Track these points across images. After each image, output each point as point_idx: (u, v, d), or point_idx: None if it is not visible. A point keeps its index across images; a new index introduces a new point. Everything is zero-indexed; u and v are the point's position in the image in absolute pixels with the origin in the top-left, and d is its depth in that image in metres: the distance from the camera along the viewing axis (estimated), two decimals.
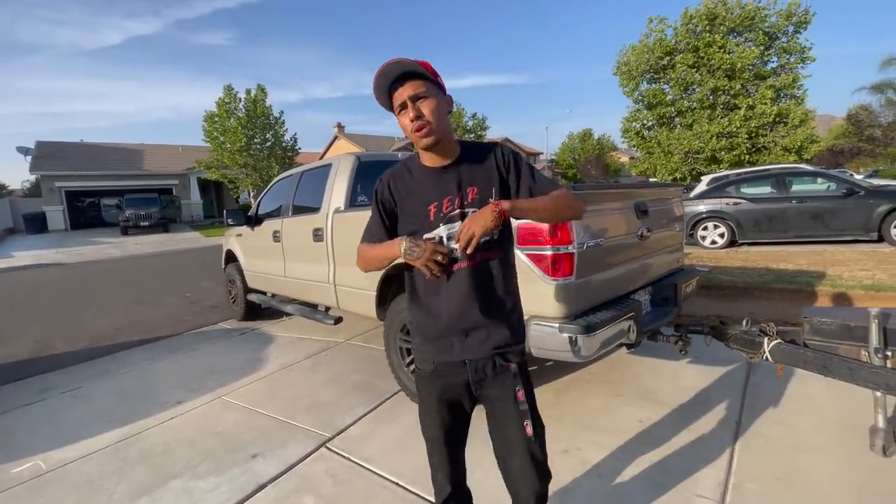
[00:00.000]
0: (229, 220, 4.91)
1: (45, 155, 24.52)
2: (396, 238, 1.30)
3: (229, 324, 5.46)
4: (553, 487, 1.96)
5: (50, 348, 4.87)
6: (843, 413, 2.43)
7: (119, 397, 3.43)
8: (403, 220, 1.36)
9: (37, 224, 23.20)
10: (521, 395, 1.31)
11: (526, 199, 1.27)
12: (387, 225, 1.38)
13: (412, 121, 1.21)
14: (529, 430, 1.30)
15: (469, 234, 1.14)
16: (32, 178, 27.63)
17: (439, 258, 1.19)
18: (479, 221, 1.14)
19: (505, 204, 1.16)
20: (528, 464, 1.32)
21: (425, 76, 1.23)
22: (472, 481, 1.51)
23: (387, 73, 1.21)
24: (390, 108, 1.27)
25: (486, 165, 1.32)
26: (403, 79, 1.21)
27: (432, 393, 1.38)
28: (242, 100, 20.95)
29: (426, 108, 1.22)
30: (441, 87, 1.28)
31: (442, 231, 1.28)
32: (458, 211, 1.28)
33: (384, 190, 1.38)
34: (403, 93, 1.21)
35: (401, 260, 1.26)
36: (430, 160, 1.32)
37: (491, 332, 1.30)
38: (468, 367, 1.32)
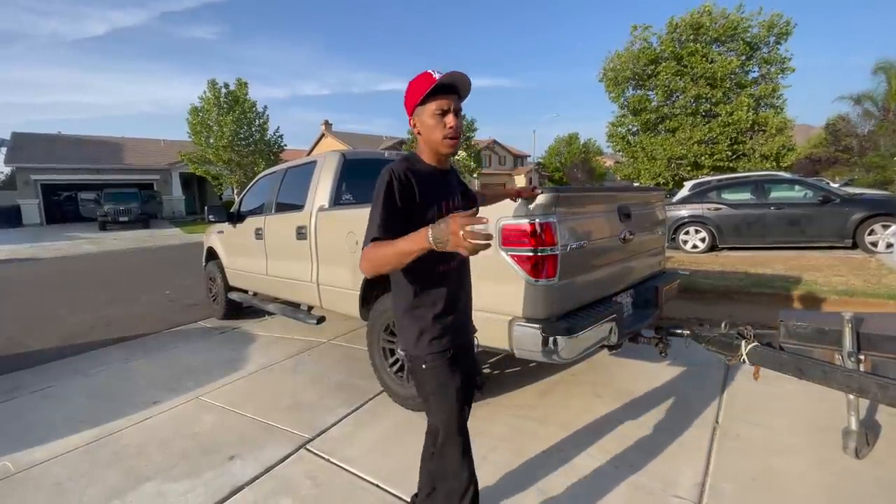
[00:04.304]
0: (210, 217, 4.83)
1: (20, 146, 23.83)
2: (420, 229, 1.15)
3: (209, 322, 5.35)
4: (533, 488, 1.99)
5: (21, 346, 4.71)
6: (817, 415, 2.49)
7: (92, 397, 3.33)
8: (420, 213, 1.36)
9: (11, 218, 22.55)
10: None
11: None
12: (405, 217, 1.31)
13: (452, 128, 1.37)
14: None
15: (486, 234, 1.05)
16: (7, 170, 26.79)
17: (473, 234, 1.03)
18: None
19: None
20: None
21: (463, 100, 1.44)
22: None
23: (455, 79, 1.36)
24: (421, 102, 1.36)
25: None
26: (455, 90, 1.39)
27: (455, 382, 1.45)
28: (224, 93, 20.64)
29: (460, 123, 1.40)
30: None
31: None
32: (461, 209, 1.46)
33: (405, 179, 1.34)
34: (453, 102, 1.38)
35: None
36: (438, 163, 1.47)
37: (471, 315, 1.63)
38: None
